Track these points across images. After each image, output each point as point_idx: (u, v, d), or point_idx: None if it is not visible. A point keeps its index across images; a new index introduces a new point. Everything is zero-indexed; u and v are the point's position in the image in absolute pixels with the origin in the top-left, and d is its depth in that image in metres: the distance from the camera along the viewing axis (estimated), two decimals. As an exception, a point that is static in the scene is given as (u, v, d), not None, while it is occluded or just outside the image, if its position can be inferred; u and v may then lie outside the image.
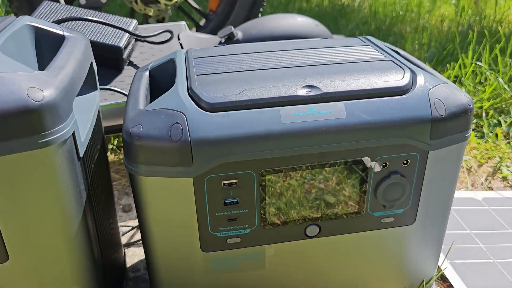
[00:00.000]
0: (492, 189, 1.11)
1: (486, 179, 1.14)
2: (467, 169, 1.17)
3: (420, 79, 0.60)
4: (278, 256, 0.65)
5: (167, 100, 0.57)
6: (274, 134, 0.55)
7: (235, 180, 0.57)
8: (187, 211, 0.58)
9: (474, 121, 1.36)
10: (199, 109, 0.56)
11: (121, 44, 1.00)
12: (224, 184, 0.57)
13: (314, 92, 0.58)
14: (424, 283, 0.74)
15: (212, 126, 0.54)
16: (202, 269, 0.63)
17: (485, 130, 1.30)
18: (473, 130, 1.33)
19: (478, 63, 1.57)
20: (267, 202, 0.59)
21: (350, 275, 0.69)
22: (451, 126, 0.59)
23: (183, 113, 0.55)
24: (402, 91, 0.59)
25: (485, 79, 1.55)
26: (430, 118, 0.58)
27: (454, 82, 1.56)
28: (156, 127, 0.55)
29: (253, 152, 0.55)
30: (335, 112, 0.57)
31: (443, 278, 0.84)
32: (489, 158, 1.22)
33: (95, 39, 0.99)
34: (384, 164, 0.60)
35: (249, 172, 0.57)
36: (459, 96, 0.60)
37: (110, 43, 0.99)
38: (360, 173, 0.59)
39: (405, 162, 0.60)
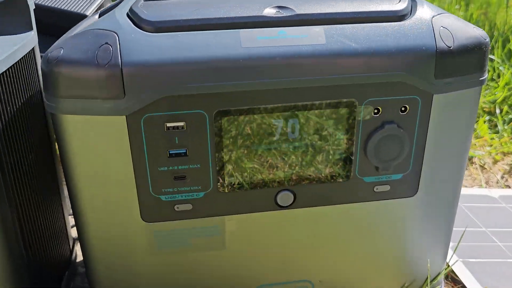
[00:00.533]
0: (510, 187, 0.97)
1: (502, 177, 1.00)
2: (480, 166, 1.03)
3: (421, 5, 0.48)
4: (242, 232, 0.51)
5: (99, 23, 0.46)
6: (231, 61, 0.42)
7: (182, 123, 0.45)
8: (120, 163, 0.45)
9: (487, 118, 1.23)
10: (138, 29, 0.44)
11: (89, 12, 0.90)
12: (168, 127, 0.44)
13: (285, 14, 0.46)
14: (429, 280, 0.59)
15: (152, 48, 0.42)
16: (144, 246, 0.50)
17: (499, 126, 1.17)
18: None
19: (491, 56, 1.46)
20: (224, 155, 0.47)
21: (334, 262, 0.55)
22: (461, 62, 0.46)
23: (115, 33, 0.43)
24: (398, 17, 0.46)
25: (498, 75, 1.43)
26: (434, 49, 0.45)
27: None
28: (79, 49, 0.43)
29: (204, 83, 0.43)
30: (311, 37, 0.44)
31: (453, 280, 0.69)
32: (504, 154, 1.09)
33: (58, 6, 0.89)
34: (375, 110, 0.47)
35: (200, 112, 0.44)
36: (470, 28, 0.48)
37: (75, 11, 0.89)
38: (345, 121, 0.47)
39: (403, 108, 0.47)
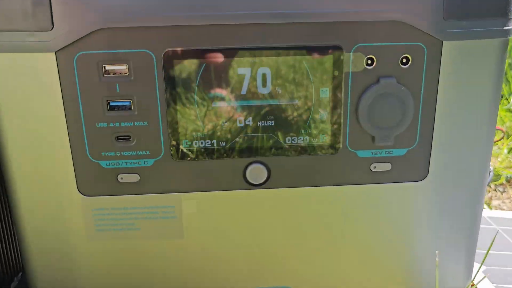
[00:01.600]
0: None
1: (548, 203, 0.86)
2: (521, 190, 0.89)
3: None
4: (204, 216, 0.41)
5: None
6: (183, -13, 0.35)
7: (124, 66, 0.37)
8: (50, 115, 0.37)
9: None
10: (79, -46, 0.37)
11: None
12: (107, 70, 0.36)
13: None
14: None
15: (89, -30, 0.36)
16: (82, 228, 0.41)
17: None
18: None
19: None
20: (178, 111, 0.38)
21: (320, 265, 0.43)
22: (477, 2, 0.37)
23: (50, -44, 0.37)
24: None
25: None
26: (442, -19, 0.36)
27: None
28: (7, -26, 0.36)
29: (149, 14, 0.35)
30: (286, -36, 0.36)
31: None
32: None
33: None
34: (368, 61, 0.37)
35: (145, 51, 0.36)
36: (491, -37, 0.39)
37: None
38: (329, 73, 0.37)
39: (404, 59, 0.37)
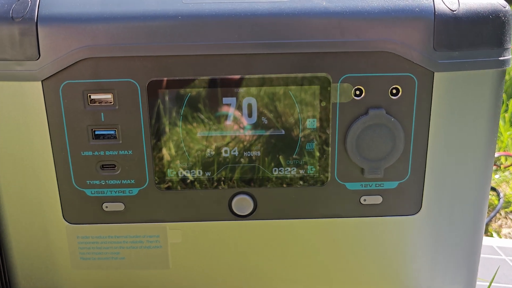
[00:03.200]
0: None
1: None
2: (534, 218, 0.86)
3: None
4: (189, 247, 0.40)
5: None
6: (167, 17, 0.34)
7: (109, 96, 0.36)
8: (37, 143, 0.37)
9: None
10: (67, -16, 0.38)
11: None
12: (92, 99, 0.36)
13: (244, -29, 0.38)
14: None
15: (75, 1, 0.35)
16: (67, 255, 0.40)
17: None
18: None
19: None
20: (162, 141, 0.37)
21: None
22: (470, 32, 0.35)
23: (40, -14, 0.37)
24: (387, -23, 0.37)
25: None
26: (432, 11, 0.35)
27: None
28: (-2, 4, 0.37)
29: (134, 43, 0.35)
30: (272, -7, 0.36)
31: None
32: None
33: None
34: (357, 92, 0.37)
35: (129, 81, 0.36)
36: (484, -8, 0.38)
37: None
38: (316, 103, 0.37)
39: (393, 90, 0.37)
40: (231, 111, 0.36)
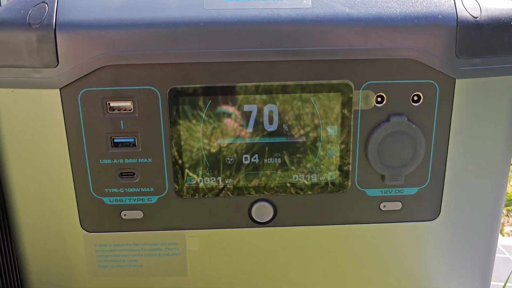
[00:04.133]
0: None
1: None
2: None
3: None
4: (208, 254, 0.40)
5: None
6: (189, 24, 0.34)
7: (129, 103, 0.36)
8: (54, 152, 0.36)
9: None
10: (85, -11, 0.37)
11: None
12: (111, 107, 0.36)
13: (264, -24, 0.38)
14: None
15: (94, 7, 0.35)
16: (84, 264, 0.40)
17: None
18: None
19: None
20: (183, 148, 0.37)
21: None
22: (492, 39, 0.35)
23: (57, -9, 0.36)
24: (408, -17, 0.37)
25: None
26: (454, 19, 0.35)
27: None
28: (14, 9, 0.36)
29: (154, 50, 0.35)
30: None
31: None
32: None
33: None
34: (378, 98, 0.36)
35: (150, 88, 0.36)
36: (505, -1, 0.38)
37: None
38: (338, 110, 0.36)
39: (415, 97, 0.36)
40: (252, 118, 0.36)
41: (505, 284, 0.49)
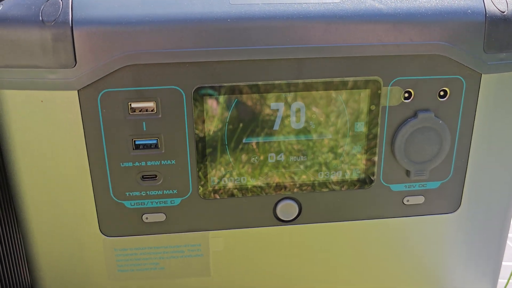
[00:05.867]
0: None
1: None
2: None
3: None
4: (232, 254, 0.39)
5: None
6: (215, 21, 0.33)
7: (151, 104, 0.34)
8: (72, 155, 0.35)
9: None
10: (99, -18, 0.35)
11: None
12: (133, 108, 0.34)
13: (288, -32, 0.36)
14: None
15: (114, 1, 0.33)
16: (104, 269, 0.39)
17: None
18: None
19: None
20: (207, 149, 0.36)
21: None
22: (518, 33, 0.36)
23: (69, -15, 0.34)
24: (435, -25, 0.37)
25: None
26: (483, 13, 0.35)
27: None
28: (23, 4, 0.33)
29: (179, 49, 0.33)
30: (322, -6, 0.35)
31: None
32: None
33: None
34: (406, 94, 0.36)
35: (174, 88, 0.34)
36: (529, -8, 0.38)
37: None
38: (366, 107, 0.36)
39: (442, 92, 0.36)
40: (279, 116, 0.35)
41: (509, 279, 0.50)
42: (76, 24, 0.32)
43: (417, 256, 0.41)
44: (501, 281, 0.50)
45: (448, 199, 0.39)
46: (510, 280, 0.55)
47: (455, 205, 0.40)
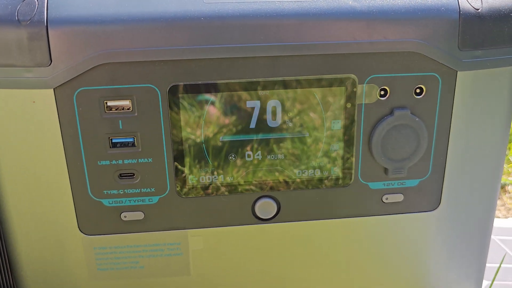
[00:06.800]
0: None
1: (542, 209, 0.87)
2: (514, 196, 0.89)
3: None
4: (211, 252, 0.39)
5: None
6: (189, 19, 0.33)
7: (127, 102, 0.35)
8: (49, 154, 0.35)
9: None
10: (75, -18, 0.35)
11: None
12: (109, 107, 0.35)
13: (264, -32, 0.37)
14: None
15: (87, 0, 0.33)
16: (83, 267, 0.39)
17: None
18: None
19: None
20: (184, 147, 0.36)
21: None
22: (493, 30, 0.35)
23: (45, -15, 0.34)
24: (409, -27, 0.37)
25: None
26: (457, 10, 0.35)
27: None
28: (0, 3, 0.34)
29: (154, 47, 0.33)
30: (296, -8, 0.35)
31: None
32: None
33: None
34: (382, 92, 0.36)
35: (150, 86, 0.34)
36: (504, -11, 0.38)
37: None
38: (341, 105, 0.36)
39: (418, 89, 0.36)
40: (255, 114, 0.35)
41: (494, 277, 0.50)
42: (51, 23, 0.32)
43: (397, 255, 0.41)
44: (486, 282, 0.50)
45: (427, 197, 0.39)
46: (494, 282, 0.55)
47: (435, 203, 0.40)
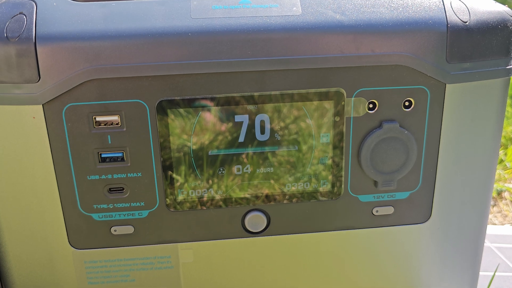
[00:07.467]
0: (548, 227, 0.82)
1: (538, 215, 0.86)
2: (511, 201, 0.89)
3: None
4: (201, 265, 0.39)
5: (25, -4, 0.37)
6: (177, 35, 0.33)
7: (116, 117, 0.35)
8: (39, 169, 0.35)
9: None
10: (65, -1, 0.35)
11: None
12: (97, 121, 0.35)
13: (252, -18, 0.37)
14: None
15: (76, 18, 0.33)
16: (74, 282, 0.39)
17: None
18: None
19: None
20: (173, 162, 0.36)
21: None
22: (480, 43, 0.35)
23: (33, 1, 0.34)
24: (397, -13, 0.37)
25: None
26: (445, 23, 0.35)
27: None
28: (-12, 21, 0.34)
29: (142, 63, 0.33)
30: (283, 6, 0.35)
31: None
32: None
33: None
34: (370, 105, 0.36)
35: (138, 102, 0.34)
36: (490, 1, 0.38)
37: None
38: (330, 118, 0.36)
39: (406, 102, 0.36)
40: (244, 128, 0.35)
41: (490, 282, 0.50)
42: (39, 40, 0.32)
43: (389, 267, 0.41)
44: (480, 291, 0.50)
45: (418, 209, 0.39)
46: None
47: (426, 215, 0.40)
